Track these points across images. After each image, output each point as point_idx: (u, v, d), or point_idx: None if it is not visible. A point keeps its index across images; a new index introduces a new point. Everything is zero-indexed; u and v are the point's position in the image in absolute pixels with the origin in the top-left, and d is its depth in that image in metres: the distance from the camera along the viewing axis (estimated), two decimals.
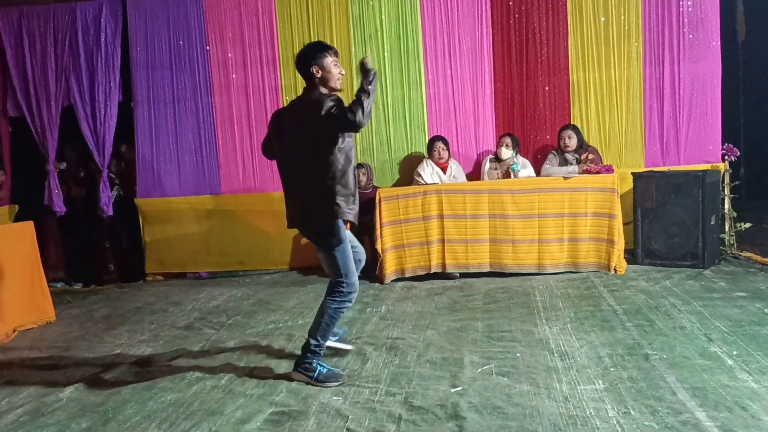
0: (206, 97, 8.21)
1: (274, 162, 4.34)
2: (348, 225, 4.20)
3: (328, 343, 4.41)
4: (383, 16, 7.94)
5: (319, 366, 4.08)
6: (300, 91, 4.25)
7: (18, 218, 7.91)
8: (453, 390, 3.76)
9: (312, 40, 7.82)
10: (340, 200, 4.01)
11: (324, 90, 4.08)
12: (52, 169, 8.18)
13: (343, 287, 4.11)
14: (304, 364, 4.11)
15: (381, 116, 8.00)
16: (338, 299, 4.12)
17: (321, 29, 8.00)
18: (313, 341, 4.12)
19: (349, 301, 4.18)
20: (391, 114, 8.00)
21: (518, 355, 4.31)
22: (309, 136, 4.01)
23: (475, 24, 7.86)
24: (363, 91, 3.83)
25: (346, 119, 3.81)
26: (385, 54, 7.95)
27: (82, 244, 8.62)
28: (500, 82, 7.90)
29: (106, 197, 8.17)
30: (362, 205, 7.26)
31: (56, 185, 8.19)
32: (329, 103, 3.93)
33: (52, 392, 4.21)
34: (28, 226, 6.33)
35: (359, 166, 7.61)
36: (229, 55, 8.16)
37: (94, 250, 8.61)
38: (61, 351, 5.26)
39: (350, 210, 4.07)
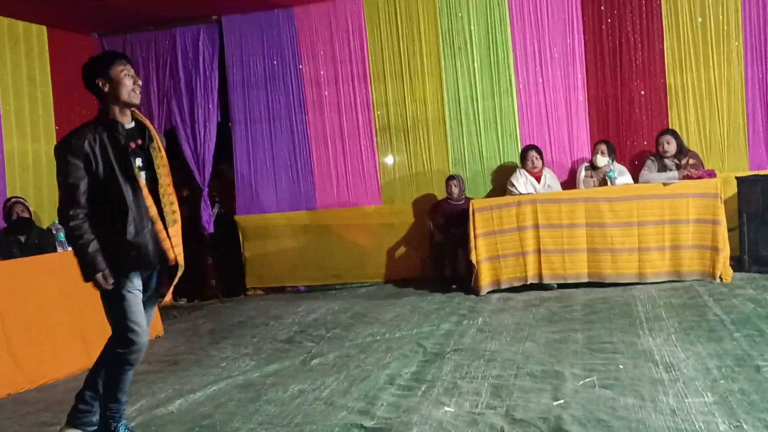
0: (300, 115, 8.40)
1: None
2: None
3: None
4: (472, 27, 7.94)
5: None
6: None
7: None
8: (555, 403, 3.70)
9: (402, 55, 8.05)
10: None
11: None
12: None
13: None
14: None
15: (472, 127, 8.01)
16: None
17: (410, 43, 8.08)
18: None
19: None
20: (482, 124, 7.99)
21: (621, 367, 4.21)
22: None
23: (566, 30, 7.76)
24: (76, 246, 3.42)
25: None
26: (475, 65, 7.96)
27: (187, 261, 8.90)
28: (594, 88, 7.77)
29: (207, 215, 8.47)
30: (455, 216, 7.36)
31: None
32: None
33: (162, 405, 4.38)
34: None
35: (451, 177, 7.63)
36: (321, 72, 8.33)
37: (197, 267, 8.90)
38: (170, 365, 5.48)
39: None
